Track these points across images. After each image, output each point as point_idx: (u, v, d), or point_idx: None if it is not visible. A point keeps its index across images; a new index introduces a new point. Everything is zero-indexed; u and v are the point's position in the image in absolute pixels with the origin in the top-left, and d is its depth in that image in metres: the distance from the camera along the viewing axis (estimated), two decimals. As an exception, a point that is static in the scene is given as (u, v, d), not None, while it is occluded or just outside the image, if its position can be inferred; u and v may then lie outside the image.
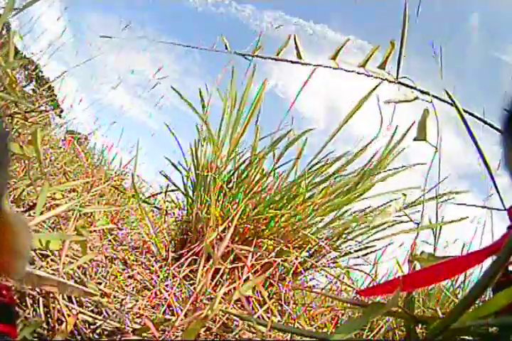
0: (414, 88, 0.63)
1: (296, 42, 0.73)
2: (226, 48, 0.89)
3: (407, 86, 0.64)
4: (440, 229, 0.70)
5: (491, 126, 0.56)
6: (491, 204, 0.76)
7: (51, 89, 2.19)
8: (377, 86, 0.83)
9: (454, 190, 1.05)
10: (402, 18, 0.66)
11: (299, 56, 0.73)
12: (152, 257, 0.93)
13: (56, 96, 2.23)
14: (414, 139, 0.60)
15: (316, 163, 1.12)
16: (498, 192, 0.52)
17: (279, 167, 1.14)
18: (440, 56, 0.67)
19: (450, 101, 0.60)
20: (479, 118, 0.58)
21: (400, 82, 0.65)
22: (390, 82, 0.66)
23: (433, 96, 0.61)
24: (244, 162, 1.11)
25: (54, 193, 0.88)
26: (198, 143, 1.13)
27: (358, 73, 0.68)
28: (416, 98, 0.63)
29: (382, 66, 0.67)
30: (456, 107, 0.58)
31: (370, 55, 0.67)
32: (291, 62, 0.74)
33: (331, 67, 0.70)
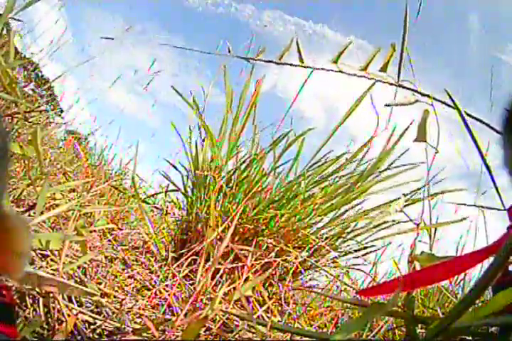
0: (415, 91, 0.63)
1: (298, 46, 0.73)
2: (229, 52, 0.89)
3: (408, 89, 0.64)
4: (435, 229, 0.70)
5: (490, 127, 0.56)
6: (486, 204, 0.76)
7: (51, 89, 2.18)
8: (371, 86, 0.83)
9: (449, 188, 1.05)
10: (402, 20, 0.66)
11: (302, 60, 0.73)
12: (152, 257, 0.93)
13: (56, 96, 2.23)
14: (415, 140, 0.60)
15: (316, 163, 1.13)
16: (498, 192, 0.52)
17: (278, 167, 1.14)
18: (407, 54, 0.66)
19: (451, 102, 0.60)
20: (480, 121, 0.58)
21: (400, 85, 0.65)
22: (391, 84, 0.66)
23: (434, 98, 0.61)
24: (244, 162, 1.11)
25: (54, 193, 0.88)
26: (198, 142, 1.13)
27: (359, 76, 0.68)
28: (416, 101, 0.62)
29: (383, 69, 0.67)
30: (457, 109, 0.58)
31: (371, 59, 0.67)
32: (293, 65, 0.74)
33: (332, 71, 0.70)
